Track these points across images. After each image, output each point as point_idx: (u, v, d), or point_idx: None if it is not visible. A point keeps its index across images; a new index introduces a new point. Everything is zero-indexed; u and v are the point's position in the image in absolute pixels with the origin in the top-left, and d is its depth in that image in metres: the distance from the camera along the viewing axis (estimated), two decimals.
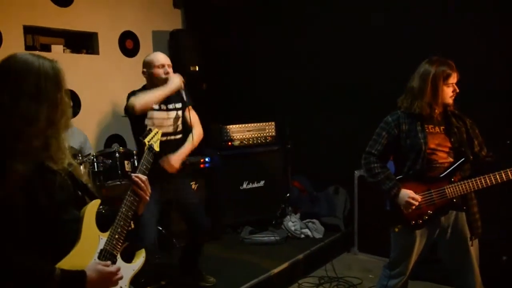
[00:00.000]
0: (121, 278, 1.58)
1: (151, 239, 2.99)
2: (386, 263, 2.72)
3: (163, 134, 3.02)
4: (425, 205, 2.45)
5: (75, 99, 4.47)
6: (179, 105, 3.24)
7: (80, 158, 3.55)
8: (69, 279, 1.41)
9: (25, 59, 1.47)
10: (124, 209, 1.69)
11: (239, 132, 4.79)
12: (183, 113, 3.25)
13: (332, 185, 4.81)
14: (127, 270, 1.70)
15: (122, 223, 1.67)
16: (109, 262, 1.56)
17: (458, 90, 2.46)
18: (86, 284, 1.44)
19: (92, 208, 1.61)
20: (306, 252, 4.08)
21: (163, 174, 3.01)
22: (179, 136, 3.23)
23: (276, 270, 3.71)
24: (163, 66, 3.12)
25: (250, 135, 4.84)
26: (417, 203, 2.42)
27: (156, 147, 1.99)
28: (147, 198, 1.77)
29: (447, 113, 2.52)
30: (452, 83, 2.44)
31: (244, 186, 4.75)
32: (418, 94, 2.46)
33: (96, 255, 1.57)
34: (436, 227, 2.50)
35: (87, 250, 1.55)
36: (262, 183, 4.83)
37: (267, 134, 4.92)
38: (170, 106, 3.18)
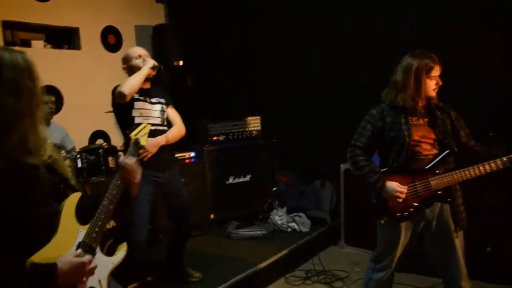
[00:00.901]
0: (94, 268, 1.55)
1: (141, 237, 3.00)
2: (372, 256, 2.72)
3: (152, 124, 3.03)
4: (410, 197, 2.46)
5: (57, 95, 4.40)
6: (163, 100, 3.24)
7: (64, 154, 3.51)
8: (40, 272, 1.40)
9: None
10: (105, 202, 1.68)
11: (225, 127, 4.77)
12: (166, 108, 3.27)
13: (318, 179, 4.82)
14: (107, 263, 1.69)
15: (103, 216, 1.65)
16: (79, 252, 1.54)
17: (441, 83, 2.47)
18: (57, 276, 1.42)
19: (71, 201, 1.59)
20: (293, 246, 4.08)
21: (155, 167, 3.03)
22: (166, 128, 3.22)
23: (263, 265, 3.70)
24: (140, 56, 3.14)
25: (235, 130, 4.82)
26: (404, 196, 2.42)
27: (143, 141, 1.97)
28: (137, 181, 1.79)
29: (431, 106, 2.53)
30: (435, 76, 2.45)
31: (230, 180, 4.74)
32: (401, 87, 2.47)
33: (74, 248, 1.55)
34: (421, 219, 2.51)
35: (65, 243, 1.54)
36: (248, 177, 4.81)
37: (253, 128, 4.91)
38: (154, 100, 3.18)
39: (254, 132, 4.91)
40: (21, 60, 1.47)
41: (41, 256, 1.43)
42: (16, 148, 1.44)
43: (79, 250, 1.55)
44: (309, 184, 4.89)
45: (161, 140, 3.10)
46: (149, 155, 3.02)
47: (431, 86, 2.45)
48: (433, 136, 2.47)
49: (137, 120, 3.00)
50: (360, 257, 4.11)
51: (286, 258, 3.97)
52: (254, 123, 4.91)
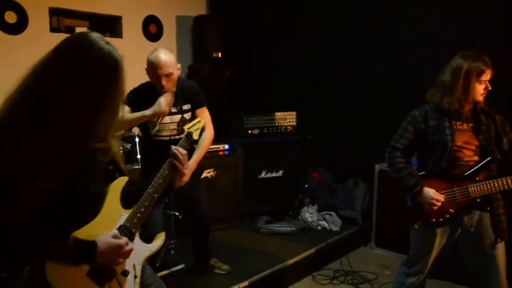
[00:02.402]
0: (130, 251, 1.58)
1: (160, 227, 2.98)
2: (404, 260, 2.67)
3: (166, 136, 3.01)
4: (447, 203, 2.39)
5: None
6: (186, 107, 3.07)
7: None
8: (80, 247, 1.44)
9: (109, 50, 1.53)
10: (151, 190, 1.70)
11: (260, 120, 4.76)
12: (192, 114, 3.09)
13: (351, 178, 4.76)
14: (143, 249, 1.72)
15: (146, 203, 1.68)
16: (117, 233, 1.57)
17: (490, 88, 2.37)
18: (96, 253, 1.46)
19: (118, 184, 1.65)
20: (322, 244, 4.04)
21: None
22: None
23: (291, 261, 3.69)
24: (160, 76, 2.88)
25: (270, 124, 4.80)
26: (439, 204, 2.35)
27: (195, 136, 1.99)
28: (185, 171, 1.79)
29: (477, 110, 2.43)
30: (485, 80, 2.34)
31: (263, 175, 4.73)
32: (448, 89, 2.37)
33: (114, 230, 1.59)
34: (458, 226, 2.44)
35: (106, 224, 1.58)
36: (280, 173, 4.80)
37: (288, 123, 4.88)
38: (174, 110, 3.00)
39: (289, 127, 4.88)
40: (116, 54, 1.55)
41: (83, 232, 1.48)
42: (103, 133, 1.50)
43: (116, 232, 1.58)
44: (341, 182, 4.83)
45: (197, 158, 2.99)
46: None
47: (480, 90, 2.35)
48: (476, 142, 2.39)
49: (151, 131, 3.00)
50: (389, 260, 4.04)
51: (314, 256, 3.94)
52: (289, 118, 4.88)
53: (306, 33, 5.07)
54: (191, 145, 1.94)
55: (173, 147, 1.79)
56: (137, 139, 3.66)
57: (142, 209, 1.66)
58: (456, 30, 3.77)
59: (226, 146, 4.56)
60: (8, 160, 1.31)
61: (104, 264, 1.51)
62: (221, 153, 4.51)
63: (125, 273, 1.61)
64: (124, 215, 1.63)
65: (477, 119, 2.43)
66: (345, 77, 4.75)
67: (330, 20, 4.86)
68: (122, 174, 1.70)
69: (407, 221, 2.59)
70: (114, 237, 1.53)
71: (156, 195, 1.71)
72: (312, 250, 3.94)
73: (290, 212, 4.69)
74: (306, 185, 4.82)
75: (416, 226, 2.46)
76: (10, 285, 2.96)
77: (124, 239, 1.55)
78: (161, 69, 2.86)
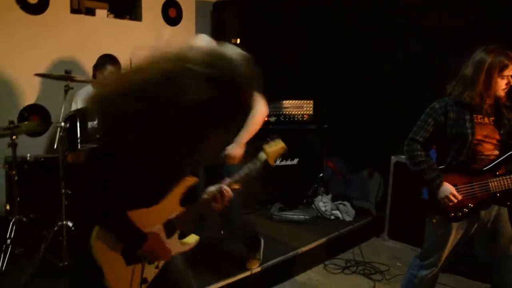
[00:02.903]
0: (170, 256, 1.69)
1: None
2: (417, 253, 2.65)
3: None
4: (466, 197, 2.36)
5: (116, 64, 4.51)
6: None
7: None
8: (133, 234, 1.55)
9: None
10: (204, 198, 1.77)
11: (277, 108, 4.74)
12: None
13: (367, 168, 4.73)
14: (176, 247, 1.76)
15: (193, 209, 1.75)
16: (164, 233, 1.66)
17: None
18: (142, 247, 1.55)
19: (186, 182, 1.71)
20: (334, 234, 4.05)
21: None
22: None
23: (303, 249, 3.70)
24: None
25: (287, 112, 4.78)
26: (456, 201, 2.33)
27: (270, 161, 1.95)
28: (217, 210, 1.80)
29: (499, 104, 2.39)
30: (508, 76, 2.29)
31: (277, 162, 4.72)
32: (470, 83, 2.33)
33: (164, 221, 1.67)
34: (475, 221, 2.41)
35: (159, 215, 1.65)
36: (295, 161, 4.78)
37: (305, 112, 4.85)
38: None
39: (305, 116, 4.85)
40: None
41: (140, 214, 1.57)
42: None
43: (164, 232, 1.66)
44: (357, 173, 4.80)
45: (244, 136, 2.95)
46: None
47: (502, 85, 2.30)
48: (497, 137, 2.35)
49: None
50: (402, 251, 4.02)
51: (326, 246, 3.94)
52: (306, 107, 4.85)
53: (327, 21, 5.01)
54: (261, 168, 1.88)
55: (224, 186, 1.76)
56: None
57: (190, 212, 1.72)
58: (477, 24, 3.69)
59: None
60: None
61: (143, 255, 1.60)
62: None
63: (151, 261, 1.69)
64: (176, 211, 1.70)
65: (499, 113, 2.39)
66: (364, 68, 4.70)
67: (350, 9, 4.80)
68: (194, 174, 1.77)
69: (421, 214, 2.57)
70: (164, 236, 1.64)
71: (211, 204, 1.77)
72: (324, 239, 3.94)
73: (304, 201, 4.69)
74: (321, 174, 4.81)
75: (434, 221, 2.44)
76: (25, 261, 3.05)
77: (171, 248, 1.66)
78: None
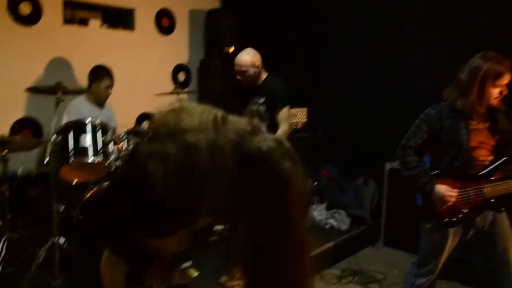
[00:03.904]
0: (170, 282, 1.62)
1: None
2: (414, 261, 2.63)
3: None
4: (460, 203, 2.35)
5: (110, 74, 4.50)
6: (262, 100, 3.52)
7: (110, 136, 3.47)
8: (143, 256, 1.46)
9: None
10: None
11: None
12: (268, 111, 3.48)
13: (361, 176, 4.72)
14: (179, 275, 1.71)
15: None
16: None
17: (506, 92, 2.31)
18: (150, 269, 1.49)
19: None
20: (330, 243, 4.02)
21: None
22: None
23: None
24: (235, 71, 3.62)
25: None
26: (453, 200, 2.32)
27: None
28: None
29: (493, 109, 2.39)
30: (502, 84, 2.29)
31: None
32: (464, 90, 2.33)
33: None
34: (470, 227, 2.40)
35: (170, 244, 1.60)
36: None
37: (299, 120, 4.85)
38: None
39: (299, 123, 4.85)
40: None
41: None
42: None
43: None
44: (351, 180, 4.79)
45: None
46: None
47: (494, 94, 2.29)
48: (492, 142, 2.35)
49: None
50: (398, 259, 4.00)
51: (322, 255, 3.90)
52: (300, 115, 4.85)
53: (319, 29, 5.03)
54: None
55: None
56: None
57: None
58: (472, 29, 3.72)
59: None
60: None
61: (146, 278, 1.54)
62: None
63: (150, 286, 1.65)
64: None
65: (494, 118, 2.39)
66: (357, 75, 4.72)
67: (342, 17, 4.82)
68: None
69: (417, 221, 2.56)
70: None
71: None
72: (320, 249, 3.90)
73: None
74: (316, 183, 4.79)
75: (428, 226, 2.43)
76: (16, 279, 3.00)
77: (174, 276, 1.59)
78: (235, 66, 3.61)
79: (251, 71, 3.60)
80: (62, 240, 3.06)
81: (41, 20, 4.12)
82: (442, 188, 2.34)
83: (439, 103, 2.45)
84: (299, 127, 4.85)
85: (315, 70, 5.08)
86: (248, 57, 3.63)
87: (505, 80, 2.29)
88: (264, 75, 3.72)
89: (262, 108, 3.52)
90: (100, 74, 3.74)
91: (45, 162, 3.03)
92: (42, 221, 3.21)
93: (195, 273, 1.79)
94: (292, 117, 3.57)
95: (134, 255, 1.47)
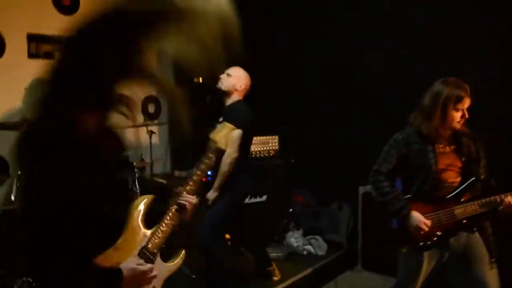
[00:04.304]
0: (153, 277, 1.58)
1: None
2: (392, 284, 2.63)
3: None
4: (433, 226, 2.37)
5: None
6: (220, 119, 3.48)
7: None
8: (107, 276, 1.44)
9: None
10: (173, 209, 1.70)
11: None
12: None
13: (335, 201, 4.72)
14: (163, 269, 1.69)
15: (169, 221, 1.68)
16: (142, 261, 1.56)
17: (467, 116, 2.38)
18: (123, 281, 1.45)
19: (138, 202, 1.63)
20: (308, 269, 4.00)
21: None
22: None
23: (279, 287, 3.61)
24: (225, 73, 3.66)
25: (252, 149, 4.75)
26: (427, 229, 2.34)
27: (220, 144, 1.94)
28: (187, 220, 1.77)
29: (457, 133, 2.44)
30: (463, 109, 2.36)
31: (246, 200, 4.65)
32: (427, 114, 2.39)
33: (137, 251, 1.57)
34: (446, 249, 2.41)
35: (129, 246, 1.56)
36: (264, 197, 4.73)
37: (270, 148, 4.85)
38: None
39: (271, 151, 4.85)
40: None
41: (107, 257, 1.47)
42: None
43: (142, 260, 1.56)
44: (326, 205, 4.79)
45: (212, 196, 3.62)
46: None
47: (457, 118, 2.36)
48: (459, 164, 2.40)
49: None
50: (377, 283, 3.97)
51: (301, 282, 3.88)
52: (272, 142, 4.85)
53: (289, 53, 5.06)
54: (218, 154, 1.91)
55: (182, 198, 1.74)
56: None
57: (164, 228, 1.65)
58: (452, 48, 3.78)
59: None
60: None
61: None
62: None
63: None
64: (146, 236, 1.61)
65: (459, 141, 2.44)
66: (327, 100, 4.77)
67: (313, 40, 4.87)
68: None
69: (393, 243, 2.56)
70: (138, 263, 1.53)
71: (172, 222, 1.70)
72: (299, 276, 3.89)
73: (276, 237, 4.62)
74: (291, 209, 4.77)
75: (404, 251, 2.43)
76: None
77: (148, 265, 1.56)
78: (228, 69, 3.64)
79: (230, 84, 3.64)
80: (30, 279, 2.94)
81: (4, 55, 4.04)
82: (418, 216, 2.36)
83: (406, 127, 2.50)
84: (271, 154, 4.84)
85: (286, 97, 5.11)
86: (241, 73, 3.66)
87: (465, 104, 2.35)
88: (235, 99, 3.71)
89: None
90: None
91: (12, 199, 2.94)
92: (11, 261, 3.07)
93: (179, 255, 1.77)
94: (237, 141, 3.49)
95: (96, 276, 1.40)
